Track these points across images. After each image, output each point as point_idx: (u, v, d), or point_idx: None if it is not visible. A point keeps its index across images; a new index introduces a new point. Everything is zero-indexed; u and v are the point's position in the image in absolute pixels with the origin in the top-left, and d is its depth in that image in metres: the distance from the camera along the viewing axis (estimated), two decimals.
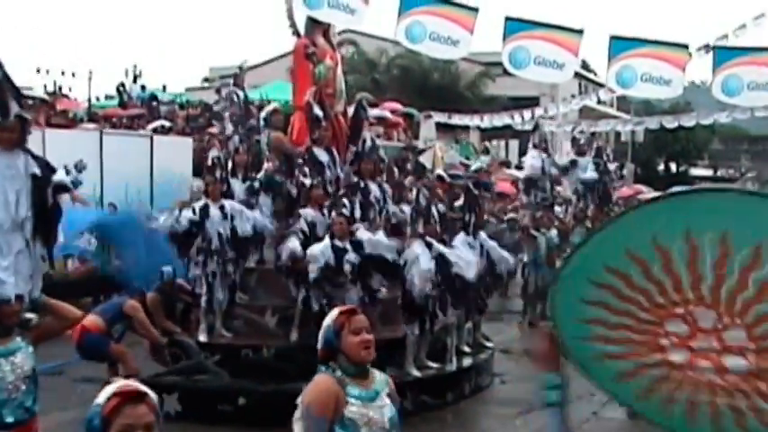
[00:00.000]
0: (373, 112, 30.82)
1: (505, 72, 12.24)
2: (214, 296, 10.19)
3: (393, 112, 31.35)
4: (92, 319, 9.64)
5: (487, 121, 31.16)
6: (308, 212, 10.21)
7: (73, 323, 8.60)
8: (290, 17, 11.35)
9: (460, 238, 11.07)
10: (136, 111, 24.51)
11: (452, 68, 39.19)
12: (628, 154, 48.53)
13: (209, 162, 10.49)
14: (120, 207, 15.71)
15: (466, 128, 35.27)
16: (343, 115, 11.77)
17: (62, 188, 7.60)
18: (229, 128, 11.14)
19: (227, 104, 11.93)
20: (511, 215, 20.11)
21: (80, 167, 15.39)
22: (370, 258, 9.57)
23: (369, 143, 11.09)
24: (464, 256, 10.09)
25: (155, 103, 25.73)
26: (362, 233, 9.63)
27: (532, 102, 32.57)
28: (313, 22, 11.29)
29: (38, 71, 37.82)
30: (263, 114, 11.50)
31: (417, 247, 9.82)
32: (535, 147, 19.07)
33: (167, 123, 20.30)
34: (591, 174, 19.07)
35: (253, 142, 11.27)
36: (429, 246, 9.92)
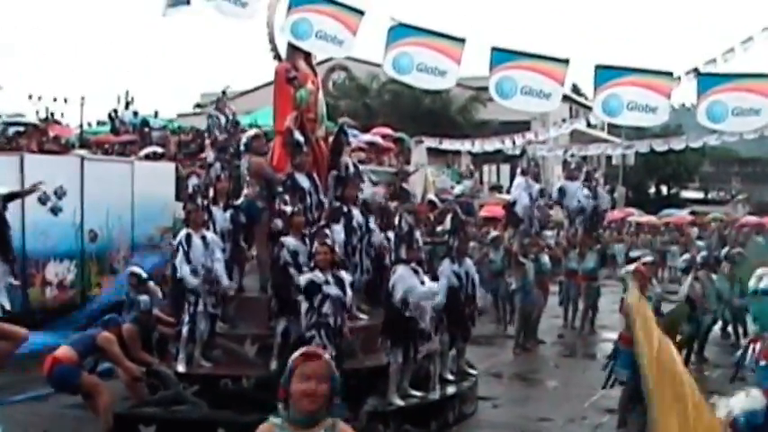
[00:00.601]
0: (364, 137, 31.19)
1: None
2: (197, 326, 10.02)
3: (384, 137, 31.42)
4: (63, 350, 9.43)
5: (478, 145, 31.03)
6: (290, 241, 10.05)
7: (19, 341, 8.51)
8: (272, 41, 11.25)
9: (446, 265, 10.95)
10: (128, 137, 24.40)
11: (444, 93, 39.21)
12: (619, 177, 48.58)
13: (190, 190, 10.32)
14: (101, 233, 15.61)
15: (457, 153, 35.29)
16: (325, 140, 11.66)
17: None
18: (211, 154, 11.00)
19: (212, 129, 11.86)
20: (494, 233, 20.03)
21: (60, 194, 15.27)
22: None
23: (351, 168, 10.95)
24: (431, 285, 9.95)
25: (146, 129, 25.63)
26: (345, 275, 9.48)
27: (523, 126, 32.52)
28: (294, 47, 11.19)
29: (30, 97, 37.61)
30: (243, 139, 11.36)
31: (404, 272, 9.72)
32: (523, 173, 18.89)
33: (159, 149, 20.19)
34: (585, 201, 18.82)
35: (234, 168, 11.15)
36: (416, 271, 9.82)
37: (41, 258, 15.08)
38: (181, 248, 9.97)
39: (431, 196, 18.49)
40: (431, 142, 30.03)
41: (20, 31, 79.79)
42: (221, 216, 10.58)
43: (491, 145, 30.30)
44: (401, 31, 8.85)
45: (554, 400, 12.07)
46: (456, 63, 8.85)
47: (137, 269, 11.29)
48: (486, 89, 9.42)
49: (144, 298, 10.48)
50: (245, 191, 10.91)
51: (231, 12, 9.01)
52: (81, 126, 33.90)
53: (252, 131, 11.58)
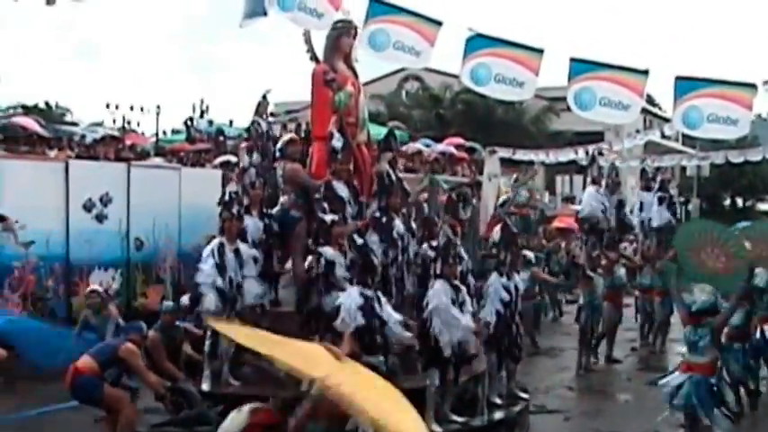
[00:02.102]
0: (437, 147, 30.78)
1: (569, 108, 11.74)
2: (219, 341, 9.43)
3: (457, 147, 30.99)
4: (85, 360, 8.91)
5: (552, 156, 30.71)
6: (328, 251, 9.39)
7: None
8: (308, 41, 10.62)
9: (494, 279, 10.23)
10: (203, 145, 24.31)
11: (517, 104, 38.40)
12: (693, 189, 47.16)
13: (226, 197, 9.75)
14: (148, 242, 15.24)
15: (530, 163, 34.70)
16: (367, 146, 11.00)
17: None
18: (245, 160, 10.42)
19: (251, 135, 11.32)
20: (556, 241, 19.17)
21: (105, 201, 14.99)
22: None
23: (392, 175, 10.24)
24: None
25: (221, 138, 25.48)
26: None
27: (597, 137, 31.60)
28: (333, 47, 10.58)
29: (107, 106, 38.39)
30: (278, 145, 10.78)
31: (440, 289, 9.04)
32: (594, 182, 17.94)
33: (234, 158, 19.97)
34: (664, 215, 17.78)
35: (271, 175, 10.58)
36: (457, 288, 9.12)
37: (86, 266, 14.83)
38: (212, 260, 9.43)
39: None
40: (504, 152, 29.72)
41: (99, 41, 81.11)
42: (254, 225, 9.95)
43: (564, 155, 29.75)
44: (479, 41, 8.69)
45: (626, 414, 11.88)
46: (534, 74, 8.66)
47: (96, 286, 10.35)
48: (559, 99, 9.30)
49: (167, 302, 9.87)
50: (281, 199, 10.32)
51: (307, 22, 8.99)
52: (157, 134, 34.18)
53: (287, 136, 10.98)
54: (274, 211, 10.32)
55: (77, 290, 14.61)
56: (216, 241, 9.61)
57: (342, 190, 10.09)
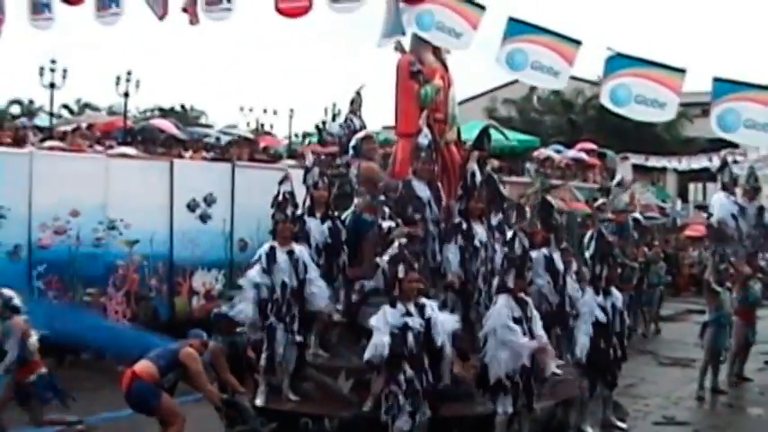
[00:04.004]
0: (569, 152, 29.16)
1: (704, 113, 10.70)
2: (275, 353, 8.22)
3: (589, 152, 29.38)
4: (144, 365, 7.93)
5: (685, 163, 29.24)
6: (370, 284, 8.28)
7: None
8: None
9: (589, 297, 8.69)
10: (334, 148, 23.55)
11: None
12: None
13: (280, 197, 8.52)
14: (251, 243, 14.29)
15: (663, 170, 32.77)
16: (457, 145, 9.62)
17: None
18: (310, 158, 9.21)
19: (344, 133, 10.15)
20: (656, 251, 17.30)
21: (209, 201, 14.18)
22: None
23: (477, 177, 8.81)
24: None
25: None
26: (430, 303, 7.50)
27: (732, 144, 29.19)
28: (419, 38, 9.24)
29: (241, 109, 38.34)
30: (352, 142, 9.51)
31: (504, 305, 7.60)
32: (724, 188, 15.88)
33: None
34: None
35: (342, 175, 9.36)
36: (521, 303, 7.66)
37: (189, 267, 14.13)
38: (259, 264, 8.27)
39: (636, 215, 16.86)
40: (637, 159, 28.17)
41: (234, 46, 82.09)
42: (317, 228, 8.65)
43: (698, 162, 28.15)
44: (618, 61, 8.08)
45: (758, 429, 11.15)
46: (676, 94, 7.92)
47: (6, 291, 8.85)
48: (693, 105, 8.32)
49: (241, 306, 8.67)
50: (355, 201, 9.05)
51: (445, 41, 8.41)
52: (290, 137, 33.71)
53: (362, 132, 9.68)
54: (345, 214, 9.02)
55: (180, 290, 14.04)
56: (267, 245, 8.42)
57: (422, 190, 8.78)
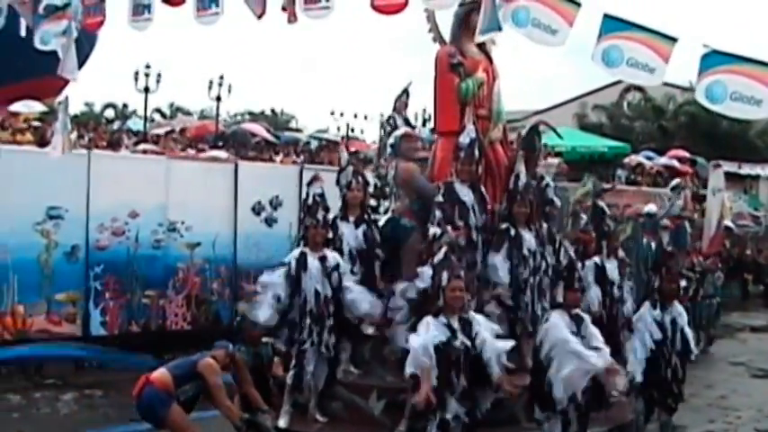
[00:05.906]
0: (660, 159, 27.61)
1: None
2: (304, 370, 7.23)
3: (680, 160, 27.85)
4: (159, 373, 7.08)
5: None
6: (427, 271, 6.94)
7: None
8: (432, 20, 8.24)
9: (645, 312, 7.39)
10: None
11: None
12: None
13: (310, 200, 7.51)
14: None
15: (756, 177, 30.74)
16: (502, 144, 8.44)
17: None
18: (344, 157, 8.17)
19: (385, 132, 9.12)
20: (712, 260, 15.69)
21: (275, 204, 13.34)
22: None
23: (522, 179, 7.62)
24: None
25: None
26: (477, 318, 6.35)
27: None
28: (461, 27, 8.11)
29: (332, 113, 37.64)
30: (390, 140, 8.42)
31: (558, 321, 6.38)
32: None
33: None
34: None
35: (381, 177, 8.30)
36: (576, 319, 6.42)
37: (253, 270, 13.15)
38: (282, 269, 7.28)
39: (727, 222, 16.32)
40: (729, 166, 26.47)
41: (324, 48, 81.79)
42: (351, 233, 7.61)
43: None
44: (715, 58, 7.29)
45: None
46: None
47: None
48: None
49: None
50: (393, 204, 7.96)
51: (541, 39, 7.62)
52: (379, 142, 32.90)
53: (401, 130, 8.55)
54: (385, 218, 7.94)
55: (244, 294, 13.11)
56: (296, 251, 7.42)
57: (465, 194, 7.65)
